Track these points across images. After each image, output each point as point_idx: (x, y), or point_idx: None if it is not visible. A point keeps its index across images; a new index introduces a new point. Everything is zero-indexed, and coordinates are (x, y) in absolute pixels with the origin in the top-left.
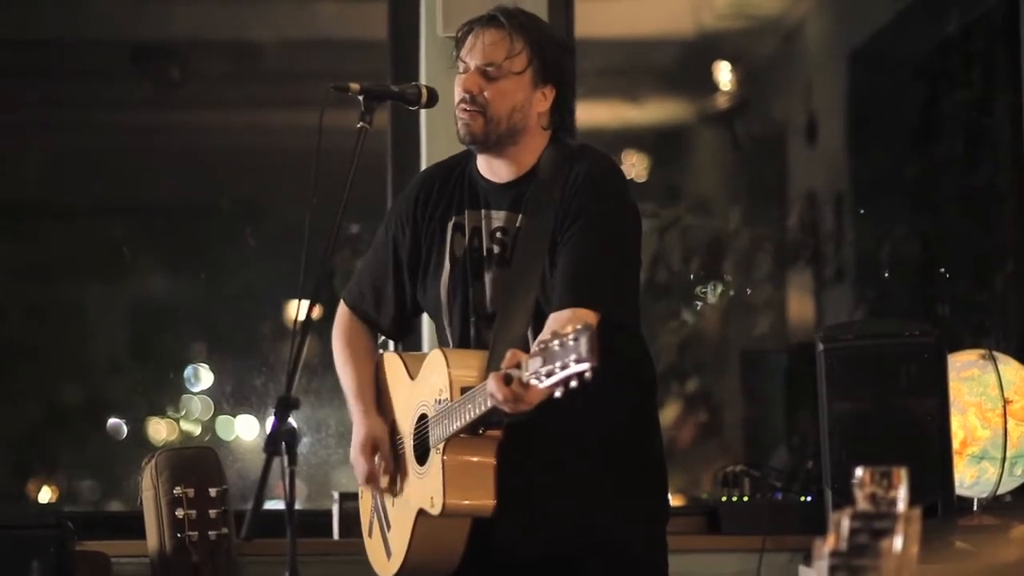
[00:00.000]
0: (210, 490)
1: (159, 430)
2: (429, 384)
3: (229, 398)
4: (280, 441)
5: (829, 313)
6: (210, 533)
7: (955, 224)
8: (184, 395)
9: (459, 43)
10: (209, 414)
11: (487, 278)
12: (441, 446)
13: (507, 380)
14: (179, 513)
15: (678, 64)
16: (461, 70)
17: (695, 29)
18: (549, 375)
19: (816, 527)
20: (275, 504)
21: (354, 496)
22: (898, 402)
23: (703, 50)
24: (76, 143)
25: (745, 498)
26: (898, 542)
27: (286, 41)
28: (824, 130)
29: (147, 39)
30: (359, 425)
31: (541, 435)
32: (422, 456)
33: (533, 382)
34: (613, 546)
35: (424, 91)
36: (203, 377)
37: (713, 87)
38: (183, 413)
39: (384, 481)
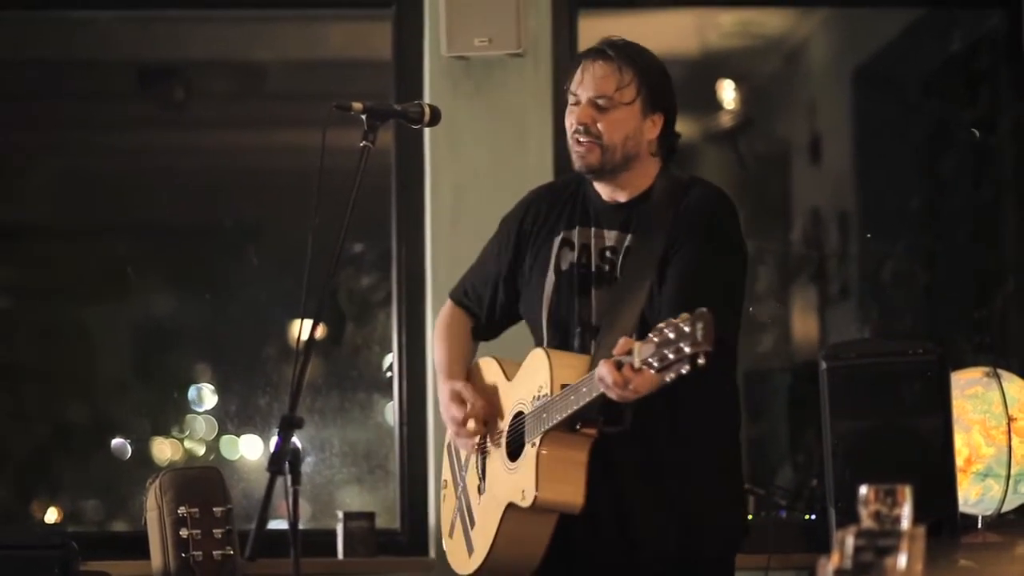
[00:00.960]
0: (214, 510)
1: (163, 450)
2: (529, 382)
3: (233, 418)
4: (284, 460)
5: (833, 331)
6: (214, 553)
7: (959, 242)
8: (188, 415)
9: (569, 75)
10: (213, 434)
11: (594, 294)
12: (537, 439)
13: (618, 366)
14: (183, 533)
15: (682, 82)
16: (572, 102)
17: (699, 48)
18: (662, 360)
19: (820, 545)
20: (279, 524)
21: (358, 516)
22: (902, 420)
23: (707, 69)
24: (81, 164)
25: (750, 516)
26: (902, 560)
27: (290, 61)
28: (828, 149)
29: (152, 60)
30: (443, 387)
31: (633, 451)
32: (514, 453)
33: (645, 368)
34: (691, 568)
35: (427, 110)
36: (207, 397)
37: (717, 105)
38: (187, 433)
39: (476, 428)
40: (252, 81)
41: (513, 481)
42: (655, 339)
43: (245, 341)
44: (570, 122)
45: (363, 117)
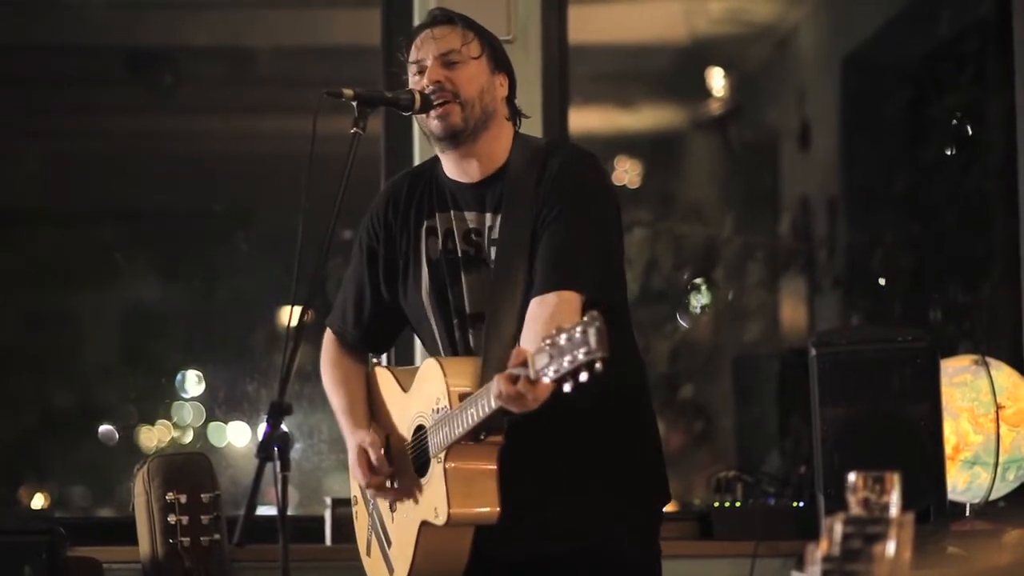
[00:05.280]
0: (202, 496)
1: (151, 436)
2: (425, 394)
3: (221, 404)
4: (272, 447)
5: (822, 318)
6: (202, 539)
7: (947, 229)
8: (176, 401)
9: (406, 53)
10: (201, 420)
11: (464, 280)
12: (442, 455)
13: (514, 380)
14: (171, 519)
15: (672, 70)
16: (414, 72)
17: (689, 35)
18: (557, 371)
19: (809, 532)
20: (267, 510)
21: (347, 502)
22: (891, 407)
23: (697, 56)
24: (70, 149)
25: (738, 503)
26: (891, 547)
27: (280, 47)
28: (817, 136)
29: (142, 45)
30: (349, 440)
31: (531, 436)
32: (421, 468)
33: (542, 379)
34: (604, 549)
35: (417, 97)
36: (195, 383)
37: (706, 93)
38: (175, 419)
39: (386, 483)
40: (242, 67)
41: (424, 499)
42: (548, 350)
43: (233, 328)
44: (420, 89)
45: (353, 104)
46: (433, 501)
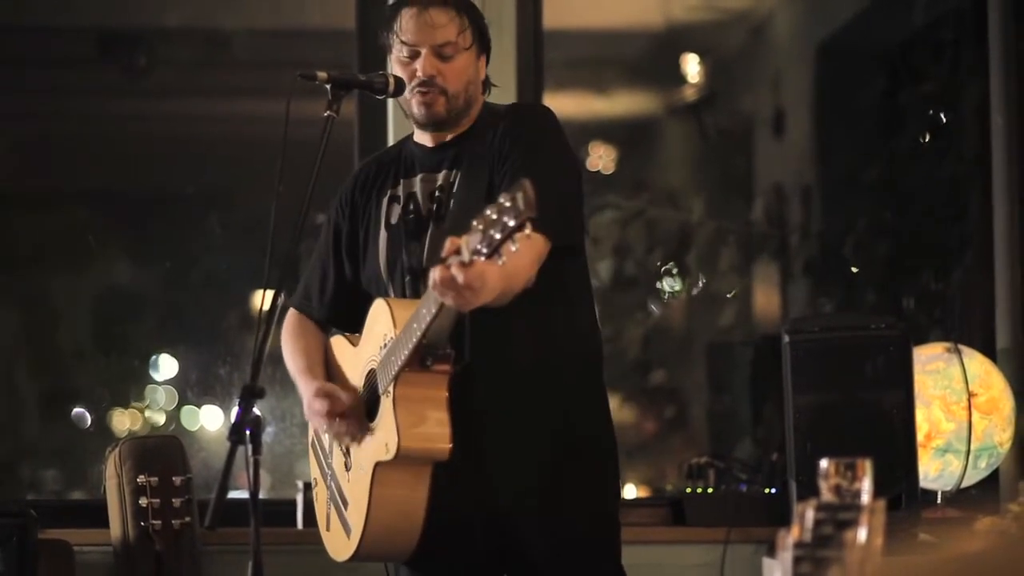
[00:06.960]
0: (174, 479)
1: (123, 420)
2: (373, 336)
3: (194, 387)
4: (244, 430)
5: (795, 305)
6: (174, 522)
7: (920, 217)
8: (149, 385)
9: (393, 21)
10: (174, 404)
11: (424, 238)
12: (391, 387)
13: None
14: (143, 502)
15: (646, 56)
16: (407, 54)
17: (663, 21)
18: (490, 244)
19: (781, 519)
20: (239, 493)
21: None
22: (863, 395)
23: (671, 42)
24: (42, 131)
25: (710, 490)
26: (862, 534)
27: (254, 30)
28: (791, 123)
29: (114, 27)
30: (304, 389)
31: (489, 389)
32: (372, 412)
33: (476, 259)
34: (557, 505)
35: (391, 80)
36: (168, 367)
37: (681, 79)
38: (147, 403)
39: (347, 420)
40: (216, 49)
41: (376, 440)
42: (478, 228)
43: (206, 310)
44: (409, 74)
45: (327, 87)
46: (384, 438)
